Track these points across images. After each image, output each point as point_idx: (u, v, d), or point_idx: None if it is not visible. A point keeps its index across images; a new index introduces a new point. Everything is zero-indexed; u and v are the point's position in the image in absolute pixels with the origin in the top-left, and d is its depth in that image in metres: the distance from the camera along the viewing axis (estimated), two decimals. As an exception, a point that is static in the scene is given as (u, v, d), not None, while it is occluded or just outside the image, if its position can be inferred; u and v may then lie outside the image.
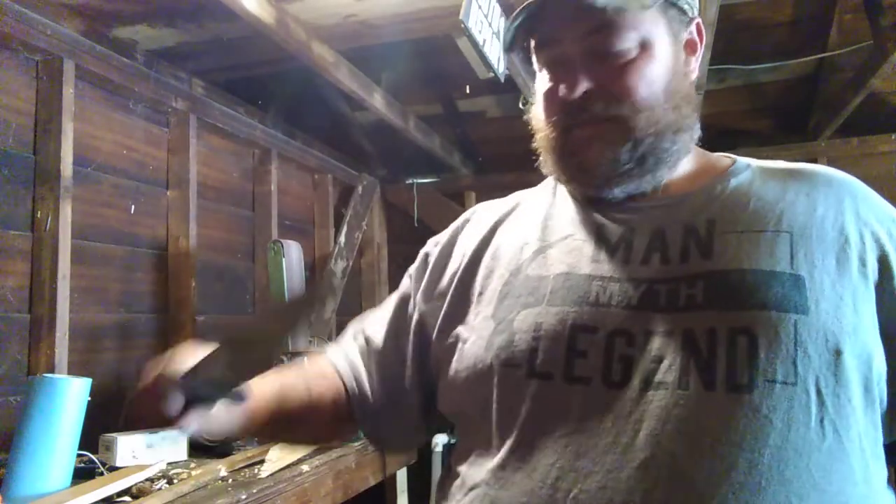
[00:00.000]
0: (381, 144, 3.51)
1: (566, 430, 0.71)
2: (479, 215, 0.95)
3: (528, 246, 0.84)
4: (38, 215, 1.81)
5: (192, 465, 1.70)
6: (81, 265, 1.93)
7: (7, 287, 1.74)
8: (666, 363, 0.69)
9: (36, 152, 1.84)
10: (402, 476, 2.59)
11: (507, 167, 3.08)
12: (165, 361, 0.78)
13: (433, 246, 0.97)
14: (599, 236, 0.81)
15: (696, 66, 0.86)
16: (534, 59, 0.86)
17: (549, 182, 0.93)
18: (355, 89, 2.42)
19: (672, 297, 0.73)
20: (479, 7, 1.78)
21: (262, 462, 1.69)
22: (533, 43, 0.84)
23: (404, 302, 0.96)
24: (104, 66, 1.99)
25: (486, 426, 0.77)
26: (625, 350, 0.71)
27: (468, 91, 2.94)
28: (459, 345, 0.82)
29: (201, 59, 2.31)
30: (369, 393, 0.94)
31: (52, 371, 1.74)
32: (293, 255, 2.46)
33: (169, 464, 1.68)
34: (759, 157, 0.88)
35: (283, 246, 2.44)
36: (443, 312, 0.87)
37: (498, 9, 1.89)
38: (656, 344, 0.71)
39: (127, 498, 1.41)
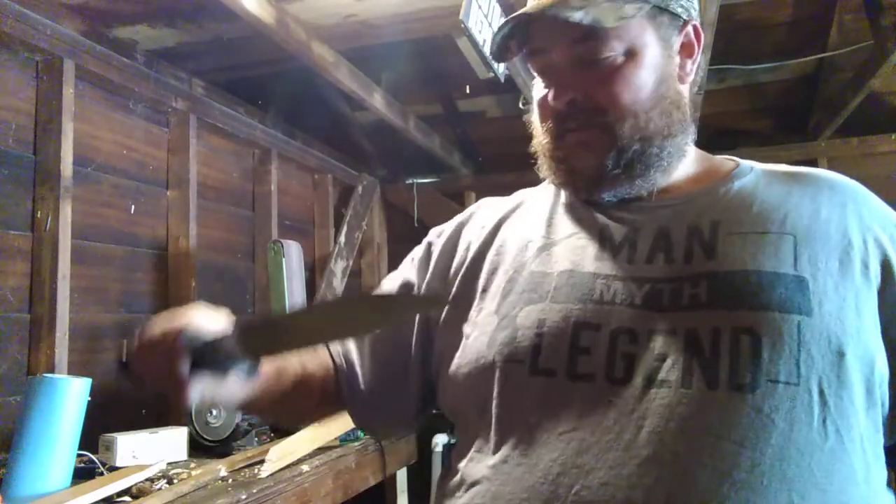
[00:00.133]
0: (381, 144, 3.51)
1: (568, 426, 0.71)
2: (484, 211, 0.95)
3: (533, 243, 0.85)
4: (38, 215, 1.81)
5: (192, 465, 1.70)
6: (81, 265, 1.93)
7: (7, 287, 1.74)
8: (669, 362, 0.70)
9: (36, 152, 1.84)
10: (402, 476, 2.59)
11: (507, 167, 3.08)
12: (178, 318, 0.74)
13: (436, 236, 0.97)
14: (603, 236, 0.82)
15: (693, 68, 0.86)
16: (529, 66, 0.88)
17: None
18: (355, 89, 2.42)
19: (676, 296, 0.74)
20: (479, 7, 1.78)
21: (262, 462, 1.69)
22: (526, 51, 0.86)
23: (407, 288, 0.95)
24: (104, 66, 1.99)
25: (487, 422, 0.77)
26: (628, 348, 0.72)
27: (468, 91, 2.94)
28: (462, 340, 0.83)
29: (201, 59, 2.31)
30: (360, 376, 0.93)
31: (51, 371, 1.74)
32: (293, 255, 2.46)
33: (169, 464, 1.68)
34: (759, 157, 0.88)
35: (283, 246, 2.44)
36: (447, 306, 0.87)
37: (498, 9, 1.89)
38: (659, 342, 0.71)
39: (127, 498, 1.41)
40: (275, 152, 2.86)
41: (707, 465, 0.65)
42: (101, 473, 1.56)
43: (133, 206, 2.17)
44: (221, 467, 1.62)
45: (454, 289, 0.88)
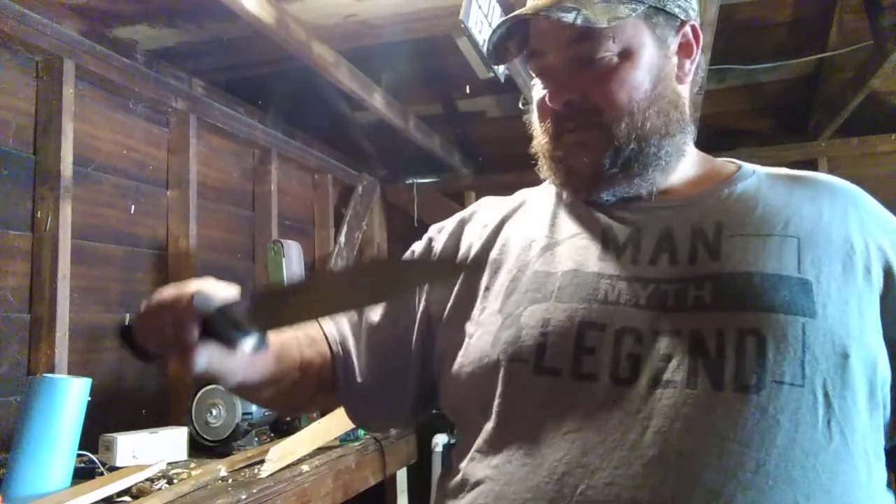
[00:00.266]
0: (381, 144, 3.51)
1: (573, 425, 0.71)
2: (486, 210, 0.95)
3: (536, 243, 0.85)
4: (38, 215, 1.81)
5: (192, 465, 1.70)
6: (81, 265, 1.93)
7: (7, 287, 1.74)
8: (674, 362, 0.70)
9: (36, 152, 1.84)
10: (402, 476, 2.58)
11: (507, 167, 3.08)
12: (190, 284, 0.73)
13: (437, 232, 0.97)
14: (607, 236, 0.82)
15: (691, 68, 0.86)
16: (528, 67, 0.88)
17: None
18: (355, 89, 2.42)
19: (680, 297, 0.74)
20: (479, 7, 1.78)
21: (262, 462, 1.69)
22: (525, 53, 0.87)
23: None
24: (104, 66, 1.99)
25: (490, 422, 0.77)
26: (633, 348, 0.72)
27: (468, 91, 2.94)
28: (465, 339, 0.82)
29: (201, 59, 2.31)
30: (356, 367, 0.93)
31: (52, 371, 1.74)
32: (293, 255, 2.46)
33: (169, 464, 1.68)
34: (759, 157, 0.88)
35: (283, 246, 2.44)
36: (450, 305, 0.87)
37: (498, 9, 1.89)
38: (664, 343, 0.71)
39: (127, 498, 1.41)
40: (275, 152, 2.85)
41: (713, 466, 0.65)
42: (101, 473, 1.56)
43: (133, 206, 2.17)
44: (221, 467, 1.62)
45: (457, 287, 0.87)
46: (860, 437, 0.69)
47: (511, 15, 0.81)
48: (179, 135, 2.33)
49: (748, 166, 0.88)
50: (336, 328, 0.95)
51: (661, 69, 0.82)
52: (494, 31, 0.83)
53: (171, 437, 1.76)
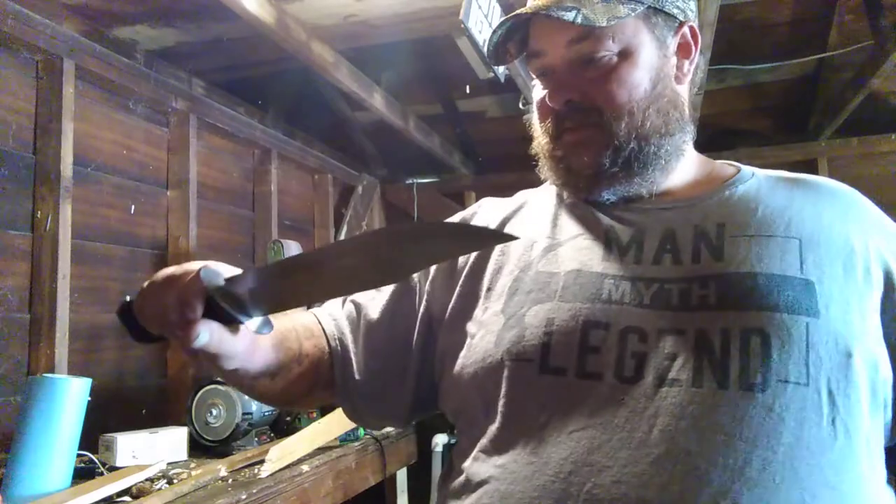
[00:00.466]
0: (381, 144, 3.52)
1: (579, 424, 0.71)
2: (487, 211, 0.95)
3: (538, 244, 0.85)
4: (38, 215, 1.81)
5: (192, 465, 1.70)
6: (81, 265, 1.93)
7: (7, 287, 1.74)
8: (679, 361, 0.70)
9: (36, 152, 1.84)
10: (402, 476, 2.58)
11: (507, 167, 3.08)
12: (195, 263, 0.72)
13: None
14: (609, 236, 0.82)
15: (690, 69, 0.87)
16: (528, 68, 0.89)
17: None
18: (355, 89, 2.42)
19: (684, 297, 0.74)
20: (479, 7, 1.78)
21: (262, 462, 1.69)
22: (525, 53, 0.87)
23: (408, 283, 0.94)
24: (104, 66, 1.99)
25: (493, 421, 0.77)
26: (637, 347, 0.72)
27: (468, 91, 2.95)
28: (467, 340, 0.82)
29: (201, 59, 2.31)
30: (354, 363, 0.92)
31: (52, 371, 1.74)
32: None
33: (169, 464, 1.68)
34: (759, 157, 0.88)
35: (283, 246, 2.44)
36: (451, 306, 0.87)
37: (498, 9, 1.89)
38: (669, 342, 0.72)
39: (127, 498, 1.41)
40: (275, 152, 2.85)
41: (719, 464, 0.65)
42: (101, 473, 1.56)
43: (133, 206, 2.17)
44: (221, 467, 1.62)
45: (458, 287, 0.87)
46: (864, 436, 0.69)
47: (511, 14, 0.82)
48: (179, 135, 2.33)
49: (747, 169, 0.88)
50: (335, 324, 0.94)
51: (661, 69, 0.83)
52: (495, 32, 0.84)
53: (171, 437, 1.76)
